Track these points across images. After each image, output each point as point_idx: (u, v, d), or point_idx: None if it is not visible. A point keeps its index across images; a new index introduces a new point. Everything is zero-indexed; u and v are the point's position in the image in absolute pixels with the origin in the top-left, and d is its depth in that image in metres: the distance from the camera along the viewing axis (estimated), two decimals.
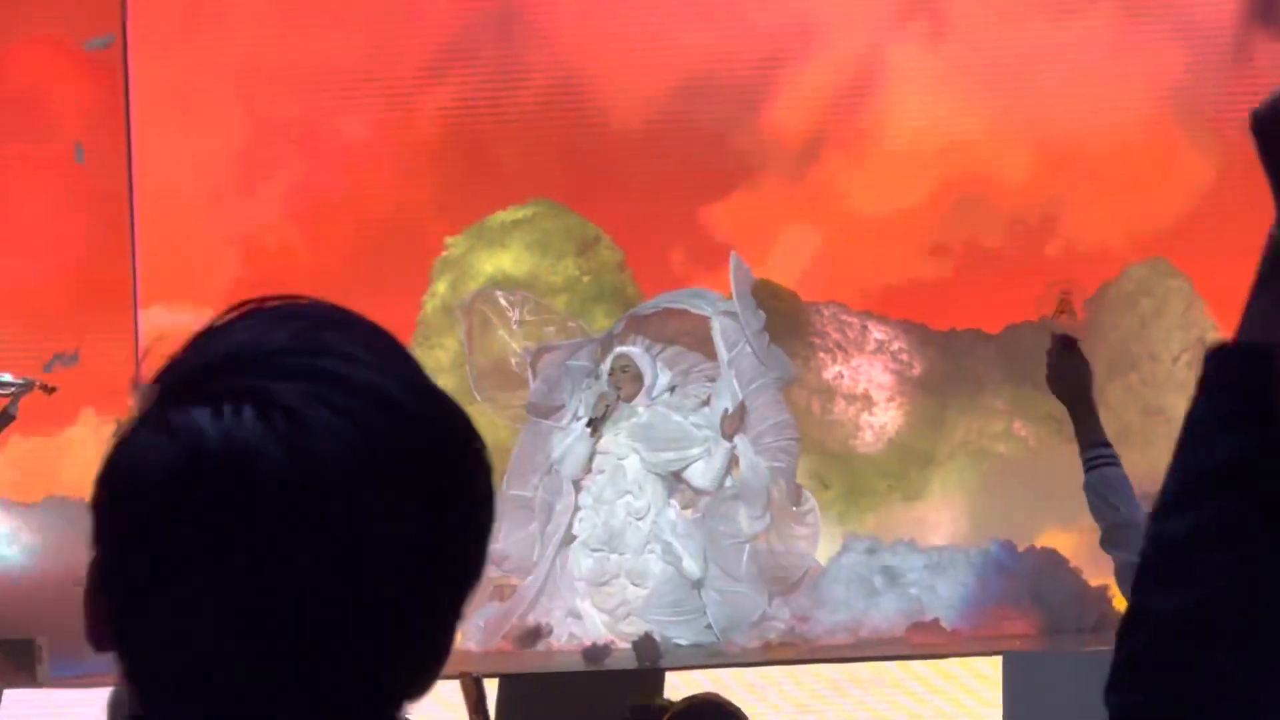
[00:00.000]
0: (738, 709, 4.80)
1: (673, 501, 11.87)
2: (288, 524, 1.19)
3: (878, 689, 10.46)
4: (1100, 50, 13.52)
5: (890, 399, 13.42)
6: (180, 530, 1.19)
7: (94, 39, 13.49)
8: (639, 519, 11.77)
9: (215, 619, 1.19)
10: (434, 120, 13.83)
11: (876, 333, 13.43)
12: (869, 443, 13.41)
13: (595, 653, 11.26)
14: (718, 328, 11.83)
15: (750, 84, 13.72)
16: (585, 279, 13.62)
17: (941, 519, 13.06)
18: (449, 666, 1.30)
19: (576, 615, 11.81)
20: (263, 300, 1.26)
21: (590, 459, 11.88)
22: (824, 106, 13.76)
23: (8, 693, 10.30)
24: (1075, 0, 13.58)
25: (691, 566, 11.66)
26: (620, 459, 11.82)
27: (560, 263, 13.61)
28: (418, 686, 1.26)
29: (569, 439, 11.91)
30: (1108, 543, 4.84)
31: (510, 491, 11.66)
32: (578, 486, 11.91)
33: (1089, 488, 4.82)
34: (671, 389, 11.98)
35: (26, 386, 11.79)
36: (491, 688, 8.07)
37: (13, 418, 11.80)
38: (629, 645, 11.22)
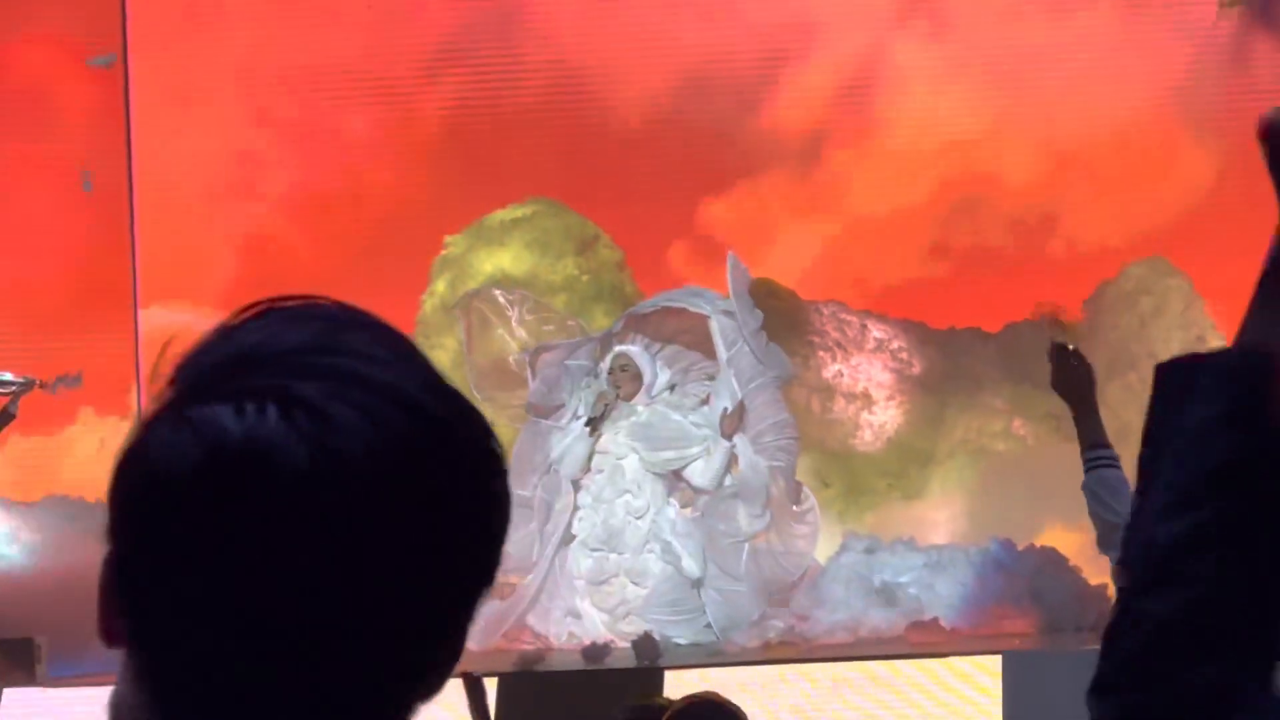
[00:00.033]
0: (737, 708, 4.80)
1: (672, 500, 11.87)
2: (308, 522, 1.19)
3: (877, 688, 10.46)
4: (1099, 50, 13.52)
5: (890, 397, 13.43)
6: (200, 527, 1.19)
7: (97, 57, 13.49)
8: (638, 518, 11.77)
9: (231, 617, 1.19)
10: (433, 119, 13.83)
11: (876, 331, 13.43)
12: (868, 441, 13.41)
13: (595, 652, 11.26)
14: (716, 327, 11.83)
15: (750, 83, 13.72)
16: (584, 278, 13.62)
17: (941, 518, 13.06)
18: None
19: (576, 614, 11.82)
20: (277, 300, 1.27)
21: (589, 458, 11.88)
22: (824, 105, 13.76)
23: (7, 692, 10.31)
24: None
25: (691, 565, 11.66)
26: (619, 458, 11.82)
27: (559, 262, 13.61)
28: (430, 687, 1.26)
29: (568, 438, 11.91)
30: (1105, 544, 4.85)
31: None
32: (577, 486, 11.92)
33: (1087, 488, 4.84)
34: (671, 388, 11.99)
35: (26, 385, 11.79)
36: (491, 687, 8.07)
37: (13, 416, 11.80)
38: (628, 644, 11.23)
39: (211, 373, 1.22)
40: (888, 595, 11.77)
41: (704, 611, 11.67)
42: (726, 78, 13.67)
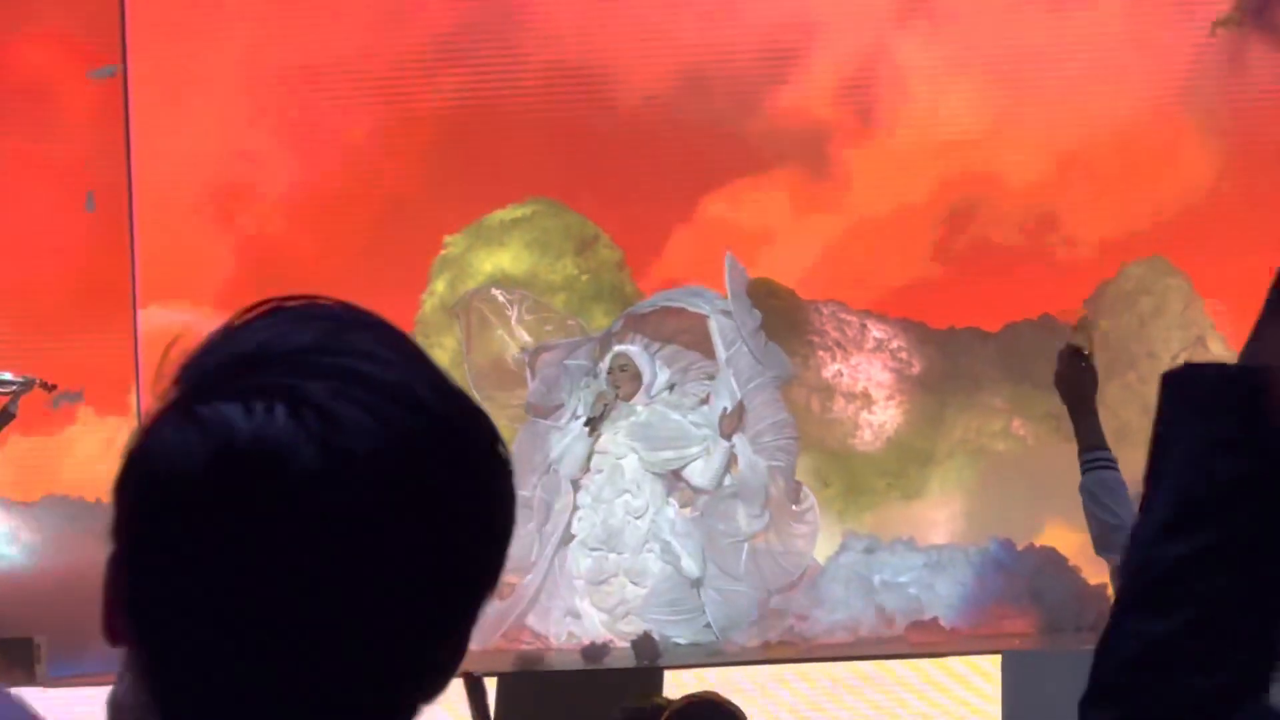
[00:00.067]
0: (736, 707, 4.80)
1: (671, 500, 11.87)
2: (316, 522, 1.19)
3: (876, 687, 10.46)
4: (1100, 50, 13.52)
5: (889, 397, 13.43)
6: (207, 525, 1.19)
7: (98, 69, 13.49)
8: (637, 518, 11.77)
9: (235, 615, 1.19)
10: (433, 119, 13.83)
11: (876, 331, 13.44)
12: (868, 441, 13.41)
13: (594, 651, 11.26)
14: (715, 326, 11.83)
15: (750, 82, 13.72)
16: (584, 277, 13.62)
17: (940, 517, 13.06)
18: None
19: (575, 614, 11.81)
20: (282, 300, 1.27)
21: (589, 458, 11.88)
22: (824, 105, 13.76)
23: None
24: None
25: (690, 565, 11.66)
26: (619, 458, 11.82)
27: (559, 261, 13.61)
28: (433, 688, 1.26)
29: (567, 438, 11.91)
30: (1101, 546, 4.84)
31: None
32: (576, 485, 11.92)
33: (1084, 490, 4.83)
34: (670, 387, 11.99)
35: (26, 385, 11.79)
36: (490, 686, 8.07)
37: (12, 416, 11.80)
38: (628, 644, 11.23)
39: (217, 372, 1.22)
40: (886, 596, 11.77)
41: (703, 611, 11.67)
42: (726, 78, 13.68)
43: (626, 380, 11.87)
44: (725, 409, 11.76)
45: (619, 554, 11.76)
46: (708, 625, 11.63)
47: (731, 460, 11.81)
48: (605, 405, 11.79)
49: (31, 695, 10.94)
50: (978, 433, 13.38)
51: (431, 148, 13.76)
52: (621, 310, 12.64)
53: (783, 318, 12.82)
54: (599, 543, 11.80)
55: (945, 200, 13.63)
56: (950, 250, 13.74)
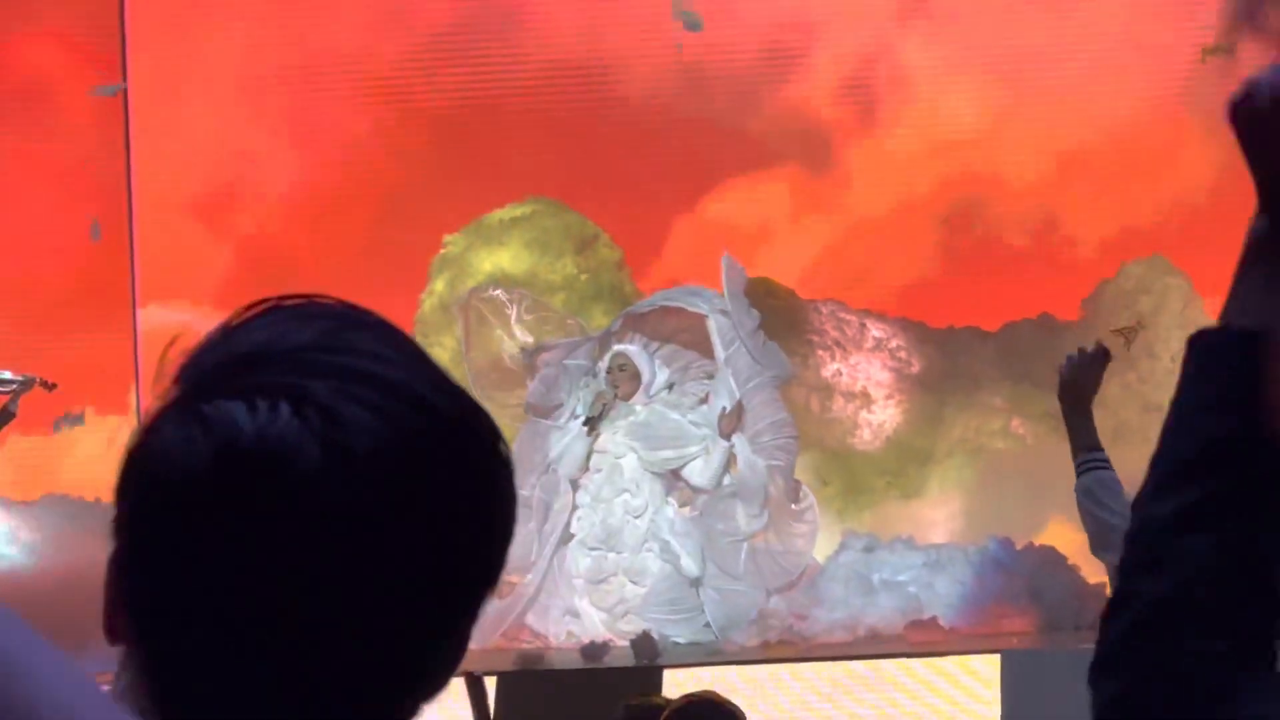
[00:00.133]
0: (735, 707, 4.80)
1: (670, 500, 11.87)
2: (319, 521, 1.19)
3: (875, 687, 10.46)
4: (1100, 49, 13.52)
5: (889, 396, 13.43)
6: (210, 524, 1.19)
7: (102, 86, 13.49)
8: (637, 517, 11.77)
9: (237, 614, 1.19)
10: (432, 118, 13.82)
11: (875, 330, 13.43)
12: (867, 440, 13.41)
13: (593, 650, 11.26)
14: (714, 326, 11.83)
15: (750, 82, 13.72)
16: (583, 277, 13.62)
17: (939, 516, 13.06)
18: None
19: (575, 613, 11.82)
20: (280, 299, 1.27)
21: (588, 458, 11.88)
22: (824, 104, 13.76)
23: None
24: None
25: (689, 565, 11.66)
26: (618, 457, 11.82)
27: (558, 261, 13.60)
28: (434, 687, 1.26)
29: (567, 438, 11.91)
30: (1099, 546, 4.84)
31: None
32: (575, 485, 11.92)
33: (1082, 490, 4.83)
34: (669, 387, 11.99)
35: (26, 384, 11.79)
36: (490, 686, 8.07)
37: (12, 415, 11.80)
38: (627, 643, 11.23)
39: (217, 371, 1.22)
40: (886, 595, 11.77)
41: (702, 610, 11.67)
42: (726, 77, 13.67)
43: (625, 380, 11.87)
44: (724, 409, 11.76)
45: (618, 553, 11.76)
46: (707, 624, 11.63)
47: (730, 460, 11.81)
48: (604, 405, 11.79)
49: None
50: (977, 432, 13.38)
51: (431, 147, 13.75)
52: (621, 310, 12.64)
53: (782, 317, 12.82)
54: (598, 542, 11.80)
55: (945, 199, 13.63)
56: (950, 249, 13.73)
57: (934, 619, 11.59)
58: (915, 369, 13.46)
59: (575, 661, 11.20)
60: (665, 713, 4.77)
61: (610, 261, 13.75)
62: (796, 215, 13.80)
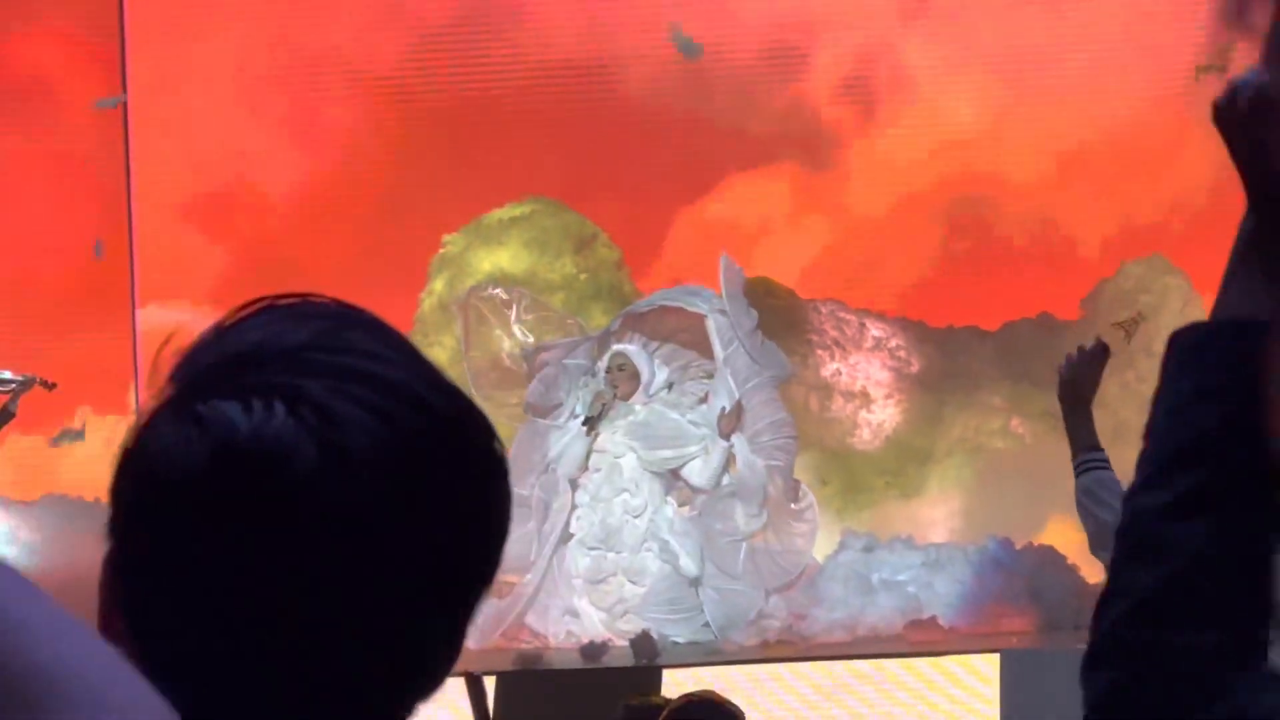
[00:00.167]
0: (734, 706, 4.81)
1: (670, 499, 11.87)
2: (315, 520, 1.18)
3: (875, 686, 10.46)
4: (1100, 48, 13.52)
5: (888, 396, 13.42)
6: (205, 524, 1.19)
7: (103, 99, 13.49)
8: (636, 517, 11.77)
9: (233, 613, 1.19)
10: (431, 117, 13.82)
11: (874, 330, 13.43)
12: (867, 440, 13.40)
13: (593, 650, 11.27)
14: (713, 326, 11.84)
15: (750, 81, 13.71)
16: (582, 276, 13.61)
17: (939, 516, 13.05)
18: None
19: (574, 613, 11.81)
20: (275, 298, 1.26)
21: (587, 457, 11.88)
22: (824, 103, 13.76)
23: None
24: None
25: (688, 564, 11.66)
26: (617, 457, 11.82)
27: (558, 260, 13.60)
28: (430, 685, 1.26)
29: (566, 437, 11.91)
30: (1099, 546, 4.83)
31: None
32: (574, 485, 11.92)
33: (1082, 490, 4.82)
34: (669, 386, 11.99)
35: (26, 384, 11.78)
36: (489, 685, 8.07)
37: (12, 415, 11.80)
38: (626, 643, 11.23)
39: (212, 371, 1.22)
40: (885, 594, 11.77)
41: (702, 610, 11.67)
42: (726, 76, 13.67)
43: (625, 380, 11.88)
44: (723, 409, 11.76)
45: (617, 553, 11.76)
46: (706, 624, 11.63)
47: (730, 459, 11.81)
48: (603, 404, 11.79)
49: None
50: (976, 431, 13.38)
51: (430, 147, 13.75)
52: (620, 309, 12.64)
53: (781, 316, 12.82)
54: (597, 542, 11.80)
55: (944, 199, 13.62)
56: (949, 249, 13.73)
57: (933, 618, 11.59)
58: (915, 368, 13.46)
59: (575, 661, 11.20)
60: (664, 712, 4.77)
61: (609, 261, 13.74)
62: (796, 215, 13.79)
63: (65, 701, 0.97)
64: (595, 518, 11.81)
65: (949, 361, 13.43)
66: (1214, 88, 1.44)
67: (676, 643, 11.48)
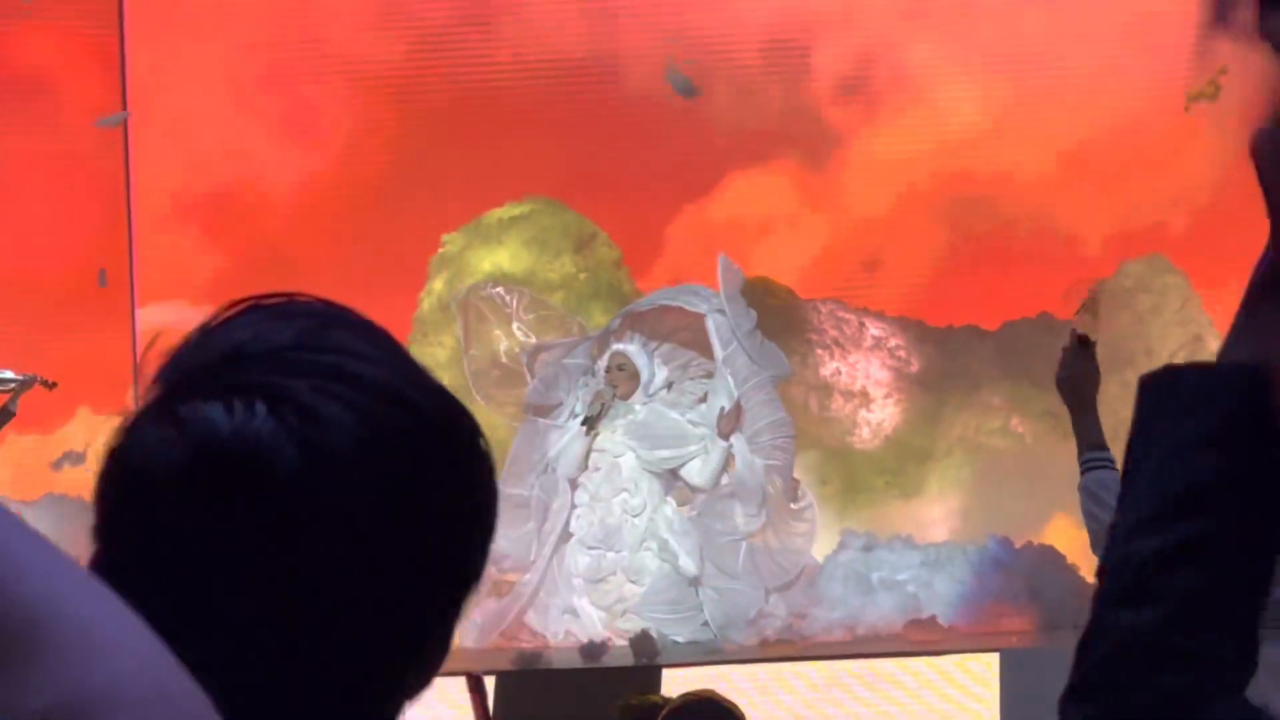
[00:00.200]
0: (734, 705, 4.80)
1: (669, 499, 11.87)
2: (299, 519, 1.18)
3: (874, 686, 10.46)
4: (1100, 47, 13.52)
5: (888, 395, 13.42)
6: (189, 525, 1.18)
7: (105, 118, 13.49)
8: (635, 516, 11.77)
9: (218, 614, 1.19)
10: (431, 117, 13.82)
11: (874, 329, 13.43)
12: (866, 439, 13.40)
13: (592, 650, 11.27)
14: (713, 325, 11.83)
15: (749, 80, 13.71)
16: (582, 276, 13.61)
17: (938, 515, 13.05)
18: (445, 664, 1.30)
19: (574, 612, 11.81)
20: (260, 298, 1.26)
21: (586, 457, 11.88)
22: (824, 102, 13.75)
23: None
24: None
25: (688, 564, 11.66)
26: (616, 457, 11.82)
27: (557, 260, 13.59)
28: (417, 684, 1.26)
29: (565, 437, 11.91)
30: (1099, 546, 4.83)
31: (506, 490, 11.64)
32: (574, 484, 11.91)
33: (1084, 490, 4.82)
34: (668, 385, 11.99)
35: (26, 383, 11.78)
36: (489, 685, 8.07)
37: (12, 414, 11.80)
38: (626, 642, 11.23)
39: (196, 372, 1.22)
40: (885, 593, 11.77)
41: (701, 610, 11.67)
42: (726, 74, 13.67)
43: (624, 379, 11.87)
44: (723, 408, 11.76)
45: (617, 552, 11.76)
46: (706, 624, 11.63)
47: (729, 459, 11.81)
48: (603, 404, 11.79)
49: None
50: (976, 430, 13.37)
51: (429, 146, 13.74)
52: (620, 309, 12.63)
53: (780, 316, 12.82)
54: (597, 541, 11.79)
55: (944, 198, 13.62)
56: (949, 248, 13.72)
57: (933, 618, 11.59)
58: (914, 368, 13.45)
59: (574, 661, 11.20)
60: (664, 711, 4.77)
61: (609, 260, 13.74)
62: (796, 213, 13.79)
63: (52, 636, 0.95)
64: (594, 517, 11.81)
65: (949, 361, 13.43)
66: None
67: (676, 642, 11.48)
